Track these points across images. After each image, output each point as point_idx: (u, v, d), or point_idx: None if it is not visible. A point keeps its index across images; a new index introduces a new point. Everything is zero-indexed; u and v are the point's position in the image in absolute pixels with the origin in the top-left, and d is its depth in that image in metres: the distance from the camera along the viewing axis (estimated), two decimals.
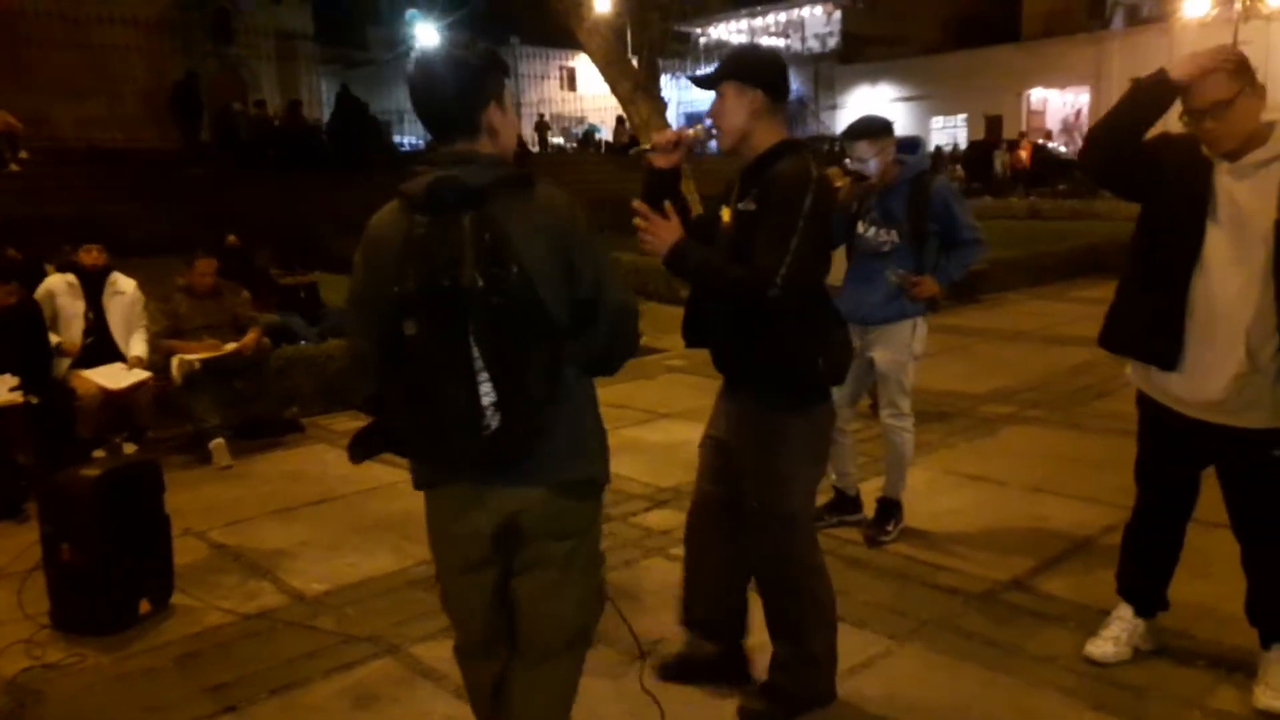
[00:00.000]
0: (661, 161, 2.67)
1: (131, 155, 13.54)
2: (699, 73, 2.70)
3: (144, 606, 3.58)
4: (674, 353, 8.36)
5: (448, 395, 1.95)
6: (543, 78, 30.60)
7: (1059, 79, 30.18)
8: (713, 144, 2.74)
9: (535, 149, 20.03)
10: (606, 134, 26.56)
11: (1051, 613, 3.51)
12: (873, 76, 34.24)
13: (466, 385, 1.94)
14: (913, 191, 4.08)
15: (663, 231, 2.52)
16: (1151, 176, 2.75)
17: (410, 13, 24.43)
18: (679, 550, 4.08)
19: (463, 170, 2.01)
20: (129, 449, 5.55)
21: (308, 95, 19.90)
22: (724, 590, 2.96)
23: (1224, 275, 2.65)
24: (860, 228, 4.19)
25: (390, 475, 4.83)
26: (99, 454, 5.12)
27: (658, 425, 6.14)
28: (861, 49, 34.35)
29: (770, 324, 2.57)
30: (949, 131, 31.65)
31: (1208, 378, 2.71)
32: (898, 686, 3.08)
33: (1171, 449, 2.97)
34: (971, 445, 5.61)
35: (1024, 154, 23.45)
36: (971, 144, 27.50)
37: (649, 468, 5.20)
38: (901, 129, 4.27)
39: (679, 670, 3.05)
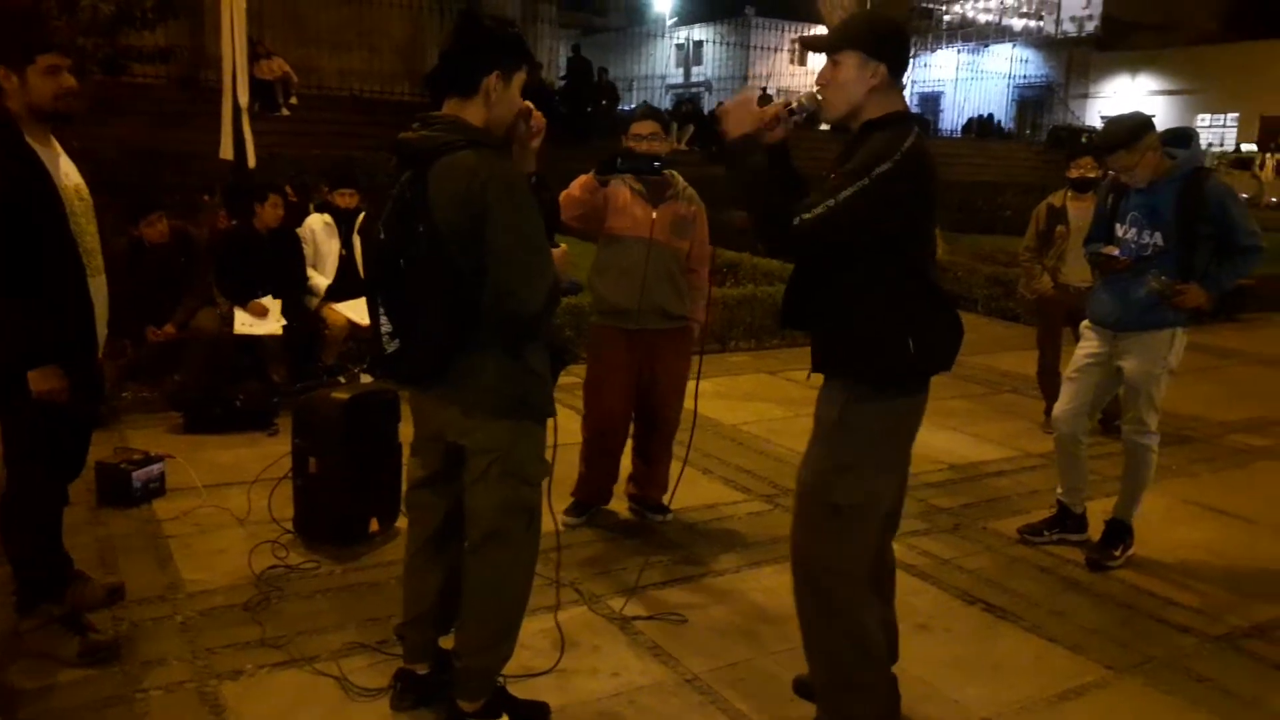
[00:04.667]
0: (769, 137, 2.46)
1: (386, 106, 14.51)
2: (812, 34, 2.50)
3: (373, 525, 3.87)
4: None
5: (372, 317, 2.53)
6: (775, 50, 30.21)
7: None
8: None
9: None
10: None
11: None
12: (1133, 65, 31.61)
13: (375, 314, 2.51)
14: (1184, 190, 3.73)
15: (746, 115, 2.34)
16: None
17: None
18: None
19: (430, 131, 2.40)
20: (365, 379, 5.99)
21: (548, 58, 20.54)
22: None
23: None
24: (1119, 229, 3.89)
25: None
26: (341, 380, 5.56)
27: None
28: (1123, 35, 31.72)
29: (858, 298, 2.38)
30: (1216, 132, 28.80)
31: None
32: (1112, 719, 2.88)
33: None
34: (1216, 476, 5.14)
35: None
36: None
37: None
38: (1160, 126, 3.90)
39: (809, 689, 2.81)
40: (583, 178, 3.75)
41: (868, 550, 2.56)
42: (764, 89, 27.93)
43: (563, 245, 2.76)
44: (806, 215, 2.26)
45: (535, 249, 2.40)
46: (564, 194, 3.79)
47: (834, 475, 2.48)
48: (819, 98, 2.47)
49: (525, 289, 2.36)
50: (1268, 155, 21.73)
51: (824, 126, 2.63)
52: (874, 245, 2.35)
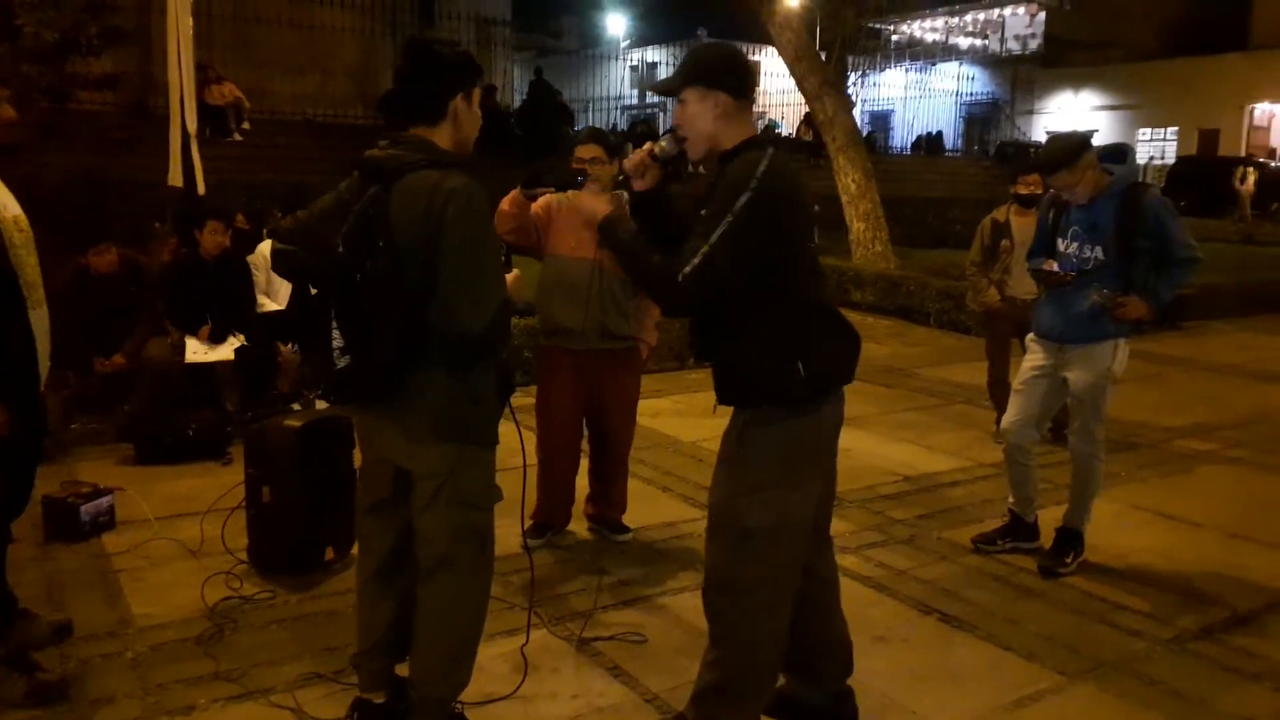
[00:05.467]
0: (639, 185, 2.54)
1: (339, 130, 14.43)
2: (662, 82, 2.55)
3: (329, 553, 3.83)
4: None
5: (322, 333, 2.51)
6: None
7: None
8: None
9: None
10: (787, 130, 26.23)
11: (1248, 670, 3.25)
12: (1076, 82, 32.37)
13: (327, 327, 2.48)
14: (1123, 205, 3.83)
15: (596, 206, 2.46)
16: None
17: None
18: (838, 558, 4.03)
19: (398, 149, 2.41)
20: (320, 405, 5.92)
21: (502, 81, 20.57)
22: (802, 629, 2.67)
23: None
24: (1060, 244, 3.98)
25: None
26: (296, 407, 5.50)
27: None
28: (1066, 52, 32.50)
29: (742, 327, 2.43)
30: (1156, 145, 29.58)
31: None
32: None
33: None
34: (1164, 481, 5.25)
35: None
36: (1182, 159, 25.59)
37: None
38: (1102, 140, 4.02)
39: (770, 709, 2.76)
40: (512, 193, 3.77)
41: (780, 569, 2.52)
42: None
43: (515, 270, 2.77)
44: (687, 270, 2.29)
45: (483, 270, 2.40)
46: (497, 211, 3.80)
47: (742, 498, 2.48)
48: (679, 139, 2.51)
49: (470, 308, 2.37)
50: (1248, 169, 22.09)
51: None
52: (754, 274, 2.37)
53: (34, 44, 8.61)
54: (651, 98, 40.17)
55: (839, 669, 2.83)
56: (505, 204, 3.77)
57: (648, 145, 2.55)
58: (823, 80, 11.78)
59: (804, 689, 2.82)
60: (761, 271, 2.37)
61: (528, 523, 4.14)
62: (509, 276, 2.65)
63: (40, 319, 2.94)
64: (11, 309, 2.83)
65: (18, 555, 3.32)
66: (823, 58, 13.27)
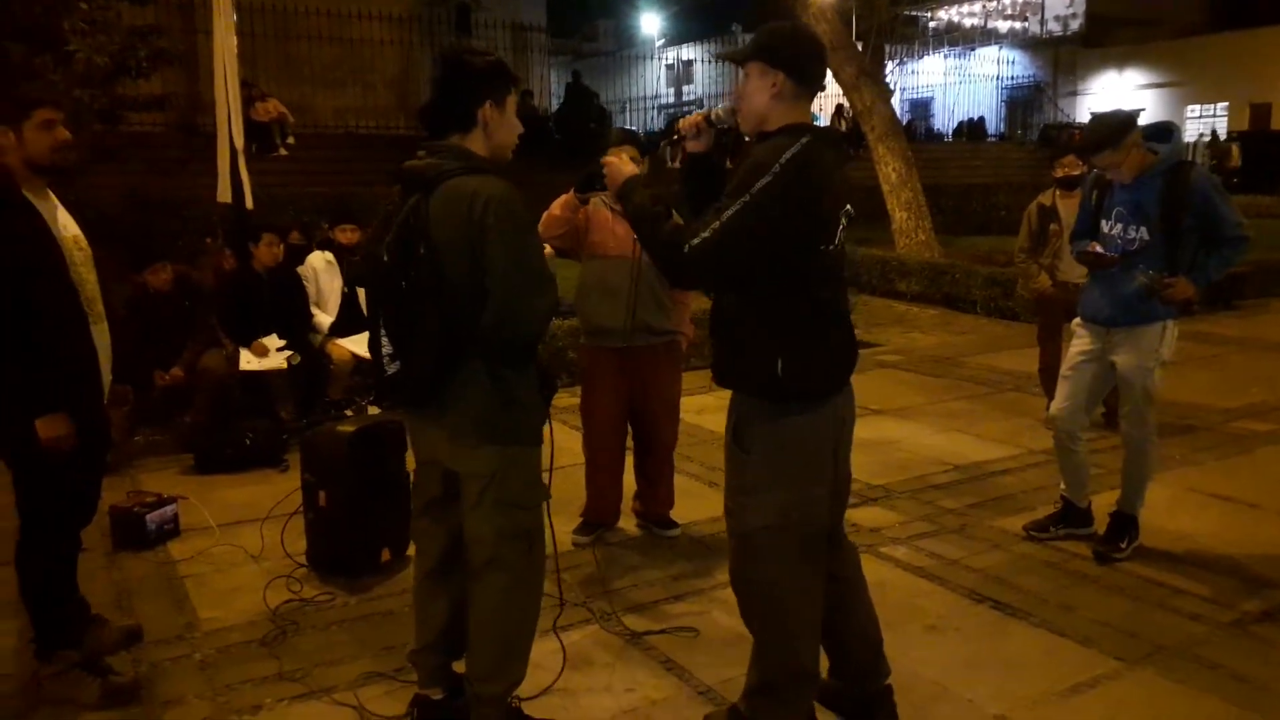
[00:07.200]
0: (693, 146, 2.58)
1: (381, 140, 14.65)
2: (731, 49, 2.60)
3: (385, 555, 3.91)
4: (887, 347, 8.19)
5: (372, 340, 2.60)
6: None
7: None
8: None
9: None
10: (823, 121, 26.07)
11: None
12: (1119, 61, 31.71)
13: (376, 334, 2.57)
14: (1168, 184, 3.77)
15: (623, 166, 2.52)
16: None
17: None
18: (888, 549, 4.04)
19: (436, 158, 2.48)
20: (372, 410, 6.04)
21: (539, 85, 20.72)
22: (825, 629, 2.65)
23: None
24: (1105, 225, 3.93)
25: None
26: (349, 413, 5.61)
27: (868, 421, 6.00)
28: (1108, 31, 31.86)
29: (733, 320, 2.47)
30: (1206, 122, 28.88)
31: None
32: (1125, 711, 2.89)
33: None
34: (1221, 463, 5.15)
35: None
36: (1235, 135, 24.95)
37: (857, 464, 5.10)
38: (1150, 119, 3.95)
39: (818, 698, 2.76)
40: (563, 197, 3.79)
41: (790, 571, 2.50)
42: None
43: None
44: (695, 241, 2.29)
45: (534, 271, 2.46)
46: (545, 214, 3.82)
47: (742, 498, 2.50)
48: (734, 109, 2.52)
49: (525, 311, 2.43)
50: None
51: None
52: (760, 263, 2.35)
53: (85, 68, 8.86)
54: (688, 96, 40.16)
55: (866, 667, 2.79)
56: (556, 208, 3.80)
57: (703, 111, 2.59)
58: (859, 70, 11.71)
59: (837, 685, 2.82)
60: (767, 262, 2.36)
61: (577, 520, 4.20)
62: None
63: (101, 334, 3.05)
64: (74, 324, 2.94)
65: (88, 564, 3.43)
66: (859, 47, 13.16)
